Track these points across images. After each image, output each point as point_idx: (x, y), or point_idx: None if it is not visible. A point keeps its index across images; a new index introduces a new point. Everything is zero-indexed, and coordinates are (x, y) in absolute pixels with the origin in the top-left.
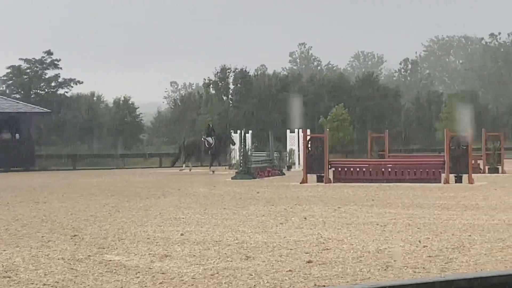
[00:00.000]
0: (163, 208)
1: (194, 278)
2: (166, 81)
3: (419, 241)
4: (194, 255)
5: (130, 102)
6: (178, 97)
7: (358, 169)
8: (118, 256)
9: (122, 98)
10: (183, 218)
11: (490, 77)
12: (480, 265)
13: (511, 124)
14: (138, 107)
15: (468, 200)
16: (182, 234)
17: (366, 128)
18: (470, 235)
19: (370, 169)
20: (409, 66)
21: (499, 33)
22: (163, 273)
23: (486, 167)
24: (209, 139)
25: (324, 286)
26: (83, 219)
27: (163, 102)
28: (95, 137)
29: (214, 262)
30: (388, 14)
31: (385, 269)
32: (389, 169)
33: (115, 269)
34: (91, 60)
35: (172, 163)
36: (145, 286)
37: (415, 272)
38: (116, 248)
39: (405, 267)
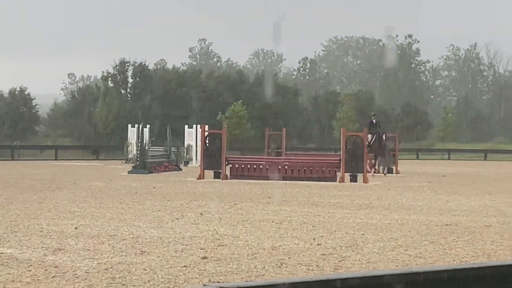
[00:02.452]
0: (58, 201)
1: (87, 272)
2: (64, 73)
3: (314, 239)
4: (88, 249)
5: (26, 93)
6: (75, 89)
7: (255, 166)
8: (10, 249)
9: (18, 89)
10: (78, 211)
11: (387, 78)
12: (373, 264)
13: (406, 124)
14: (35, 98)
15: (363, 199)
16: (76, 228)
17: (264, 125)
18: (363, 234)
19: (267, 167)
20: (308, 65)
21: (397, 35)
22: (56, 267)
23: (381, 167)
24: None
25: (219, 282)
26: None
27: (60, 94)
28: None
29: (108, 256)
30: (288, 13)
31: (279, 266)
32: (286, 167)
33: (6, 262)
34: None
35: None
36: (38, 279)
37: (309, 269)
38: (9, 241)
39: (299, 265)
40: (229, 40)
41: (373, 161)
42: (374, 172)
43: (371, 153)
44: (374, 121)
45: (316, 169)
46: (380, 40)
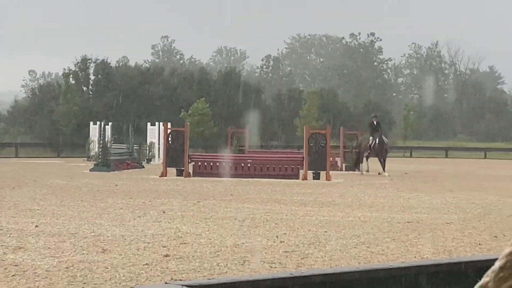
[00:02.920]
0: (18, 199)
1: (48, 271)
2: (24, 70)
3: (276, 237)
4: (49, 248)
5: None
6: (36, 86)
7: (218, 164)
8: None
9: None
10: (39, 209)
11: (350, 76)
12: (335, 261)
13: (369, 122)
14: None
15: (325, 196)
16: (37, 226)
17: (227, 123)
18: (326, 231)
19: (230, 164)
20: (271, 62)
21: (359, 33)
22: (16, 265)
23: (344, 165)
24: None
25: (181, 280)
26: None
27: (21, 91)
28: None
29: (69, 254)
30: (251, 11)
31: (242, 264)
32: (249, 165)
33: None
34: None
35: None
36: None
37: (271, 267)
38: None
39: (262, 262)
40: (192, 37)
41: (363, 159)
42: (367, 171)
43: (372, 155)
44: (375, 122)
45: (279, 166)
46: (343, 38)
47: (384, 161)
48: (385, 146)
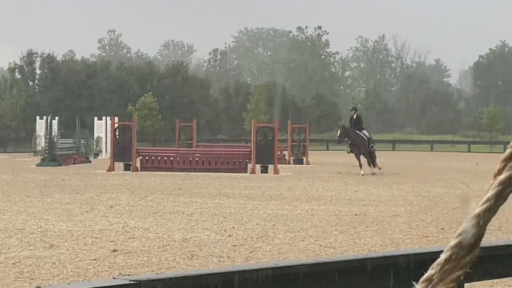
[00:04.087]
0: None
1: None
2: None
3: (225, 230)
4: None
5: None
6: None
7: (165, 158)
8: None
9: None
10: None
11: (297, 70)
12: (283, 254)
13: (316, 116)
14: None
15: (273, 190)
16: None
17: (174, 117)
18: (274, 225)
19: (178, 158)
20: (219, 56)
21: (306, 27)
22: None
23: (291, 158)
24: (365, 132)
25: (129, 275)
26: None
27: None
28: None
29: (16, 250)
30: (198, 4)
31: (190, 258)
32: (197, 159)
33: None
34: None
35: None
36: None
37: (220, 261)
38: None
39: (211, 256)
40: (139, 31)
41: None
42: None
43: (353, 150)
44: (354, 116)
45: (227, 160)
46: (290, 31)
47: (370, 156)
48: (366, 140)
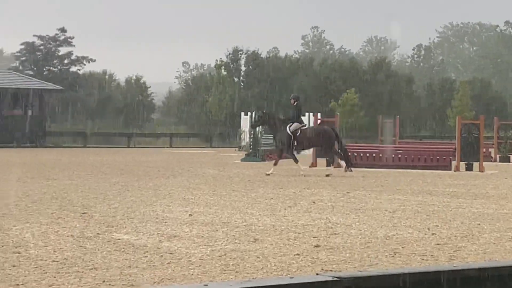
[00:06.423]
0: (172, 188)
1: (201, 259)
2: (178, 62)
3: (428, 229)
4: (202, 236)
5: (141, 81)
6: (190, 77)
7: (368, 155)
8: (127, 235)
9: (134, 77)
10: (192, 198)
11: (504, 65)
12: (489, 254)
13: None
14: (150, 87)
15: (478, 188)
16: (190, 215)
17: (377, 113)
18: (479, 224)
19: (380, 155)
20: (422, 52)
21: None
22: (171, 253)
23: (498, 156)
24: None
25: (332, 271)
26: (92, 197)
27: (175, 82)
28: (106, 116)
29: (222, 243)
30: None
31: (393, 256)
32: (399, 155)
33: (123, 248)
34: (104, 38)
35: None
36: (153, 265)
37: (423, 259)
38: (125, 227)
39: (413, 254)
40: (342, 27)
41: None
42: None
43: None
44: (295, 103)
45: (430, 157)
46: (497, 26)
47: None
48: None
